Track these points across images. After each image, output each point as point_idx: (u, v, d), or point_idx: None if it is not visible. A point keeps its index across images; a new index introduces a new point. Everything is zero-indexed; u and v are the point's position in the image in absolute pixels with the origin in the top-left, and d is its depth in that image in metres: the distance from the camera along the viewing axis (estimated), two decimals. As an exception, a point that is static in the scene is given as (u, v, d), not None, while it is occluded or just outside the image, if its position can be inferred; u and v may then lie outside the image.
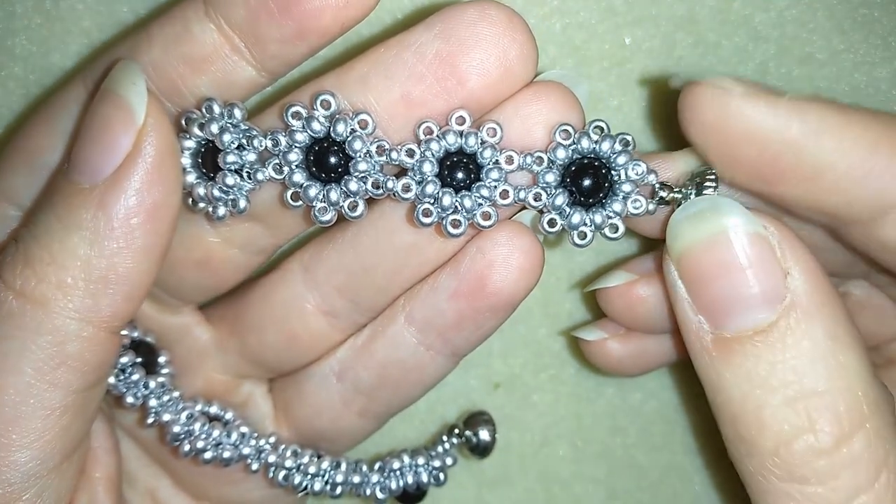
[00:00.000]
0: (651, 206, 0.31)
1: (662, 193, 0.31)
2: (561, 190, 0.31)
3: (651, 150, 0.40)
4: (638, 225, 0.34)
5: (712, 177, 0.31)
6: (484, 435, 0.40)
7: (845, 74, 0.39)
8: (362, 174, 0.31)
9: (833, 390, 0.27)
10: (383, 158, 0.31)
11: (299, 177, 0.31)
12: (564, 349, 0.43)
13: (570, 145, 0.31)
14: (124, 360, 0.35)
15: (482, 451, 0.40)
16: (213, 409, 0.38)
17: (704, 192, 0.31)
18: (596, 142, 0.31)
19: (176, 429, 0.36)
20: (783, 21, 0.39)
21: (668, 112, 0.40)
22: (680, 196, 0.31)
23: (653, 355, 0.38)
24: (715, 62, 0.39)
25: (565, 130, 0.31)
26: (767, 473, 0.28)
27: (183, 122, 0.32)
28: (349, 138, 0.31)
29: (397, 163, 0.31)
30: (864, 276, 0.36)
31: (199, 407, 0.37)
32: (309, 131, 0.31)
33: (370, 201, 0.32)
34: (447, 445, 0.39)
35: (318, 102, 0.31)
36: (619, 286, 0.36)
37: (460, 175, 0.31)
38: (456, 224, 0.31)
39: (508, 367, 0.43)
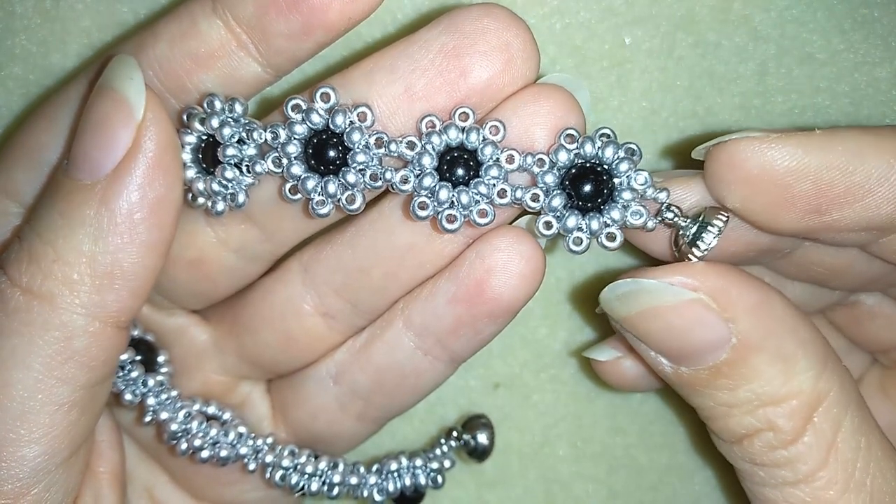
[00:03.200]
0: (650, 223, 0.31)
1: (668, 214, 0.31)
2: (559, 192, 0.31)
3: (652, 151, 0.40)
4: (641, 241, 0.34)
5: (720, 223, 0.31)
6: (482, 438, 0.40)
7: (845, 74, 0.39)
8: (360, 166, 0.31)
9: (787, 394, 0.30)
10: (382, 150, 0.31)
11: (297, 169, 0.31)
12: (564, 349, 0.43)
13: (573, 149, 0.31)
14: (124, 357, 0.35)
15: (480, 454, 0.40)
16: (211, 409, 0.38)
17: (706, 232, 0.31)
18: (600, 147, 0.31)
19: (173, 427, 0.36)
20: (783, 21, 0.39)
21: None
22: (681, 224, 0.31)
23: None
24: (715, 62, 0.39)
25: (570, 134, 0.31)
26: (738, 461, 0.32)
27: (184, 118, 0.32)
28: (348, 130, 0.31)
29: (397, 154, 0.31)
30: (883, 289, 0.36)
31: (196, 406, 0.37)
32: (308, 123, 0.31)
33: (370, 202, 0.32)
34: (445, 448, 0.39)
35: (318, 95, 0.31)
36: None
37: (460, 171, 0.31)
38: (451, 219, 0.31)
39: (508, 367, 0.43)
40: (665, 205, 0.31)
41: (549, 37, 0.39)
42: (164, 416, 0.36)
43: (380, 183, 0.31)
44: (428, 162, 0.31)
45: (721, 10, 0.39)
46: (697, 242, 0.31)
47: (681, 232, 0.31)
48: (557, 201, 0.31)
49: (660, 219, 0.31)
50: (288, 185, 0.31)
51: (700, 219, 0.31)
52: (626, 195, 0.31)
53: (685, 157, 0.40)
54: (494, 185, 0.31)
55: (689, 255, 0.31)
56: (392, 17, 0.38)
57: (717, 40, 0.39)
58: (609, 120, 0.40)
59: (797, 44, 0.39)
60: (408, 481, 0.38)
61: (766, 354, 0.30)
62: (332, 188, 0.31)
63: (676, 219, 0.31)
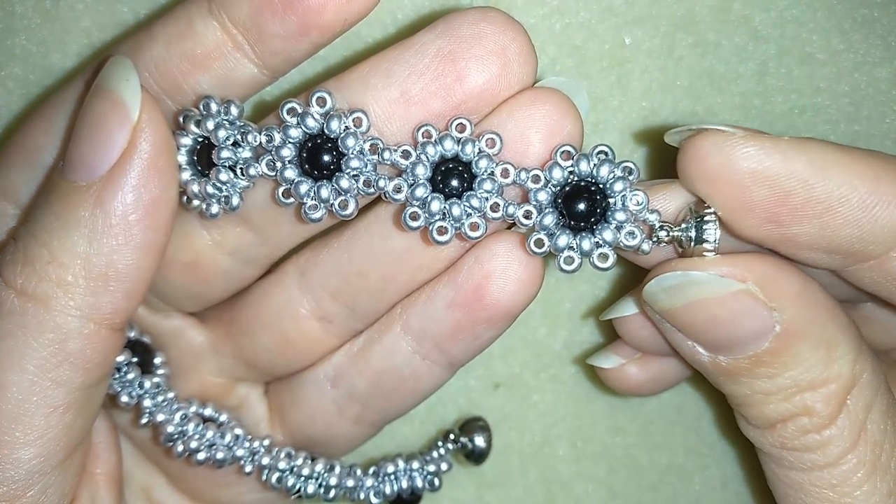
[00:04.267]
0: (645, 246, 0.31)
1: (661, 234, 0.31)
2: (551, 210, 0.30)
3: (652, 151, 0.40)
4: (632, 256, 0.34)
5: (712, 216, 0.30)
6: (479, 441, 0.40)
7: (845, 74, 0.39)
8: (354, 171, 0.31)
9: (827, 379, 0.30)
10: (376, 157, 0.31)
11: (291, 173, 0.31)
12: (564, 349, 0.43)
13: (567, 166, 0.30)
14: (120, 358, 0.35)
15: (477, 457, 0.40)
16: (208, 411, 0.38)
17: (705, 229, 0.30)
18: (595, 166, 0.30)
19: (170, 429, 0.36)
20: (783, 21, 0.39)
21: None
22: (680, 234, 0.31)
23: (671, 374, 0.39)
24: (715, 62, 0.39)
25: (566, 151, 0.30)
26: (767, 445, 0.32)
27: (180, 119, 0.32)
28: (342, 135, 0.30)
29: (391, 163, 0.31)
30: (871, 300, 0.36)
31: (193, 408, 0.37)
32: (303, 127, 0.31)
33: (365, 206, 0.32)
34: (442, 451, 0.39)
35: (314, 100, 0.31)
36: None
37: (454, 182, 0.31)
38: (442, 231, 0.31)
39: (508, 367, 0.43)
40: (657, 225, 0.31)
41: (549, 37, 0.39)
42: (160, 417, 0.36)
43: (373, 189, 0.31)
44: (422, 172, 0.31)
45: (721, 10, 0.39)
46: (704, 241, 0.31)
47: (683, 240, 0.31)
48: (549, 219, 0.30)
49: (655, 239, 0.31)
50: (281, 189, 0.31)
51: (693, 218, 0.31)
52: (620, 216, 0.30)
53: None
54: (487, 199, 0.31)
55: (704, 255, 0.31)
56: (392, 17, 0.38)
57: (717, 40, 0.39)
58: (609, 120, 0.40)
59: (797, 44, 0.39)
60: (404, 484, 0.38)
61: (809, 341, 0.30)
62: (325, 193, 0.31)
63: (672, 233, 0.31)
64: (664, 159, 0.40)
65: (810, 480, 0.31)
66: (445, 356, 0.35)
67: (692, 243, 0.31)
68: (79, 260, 0.29)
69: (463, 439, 0.40)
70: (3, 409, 0.29)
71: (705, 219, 0.31)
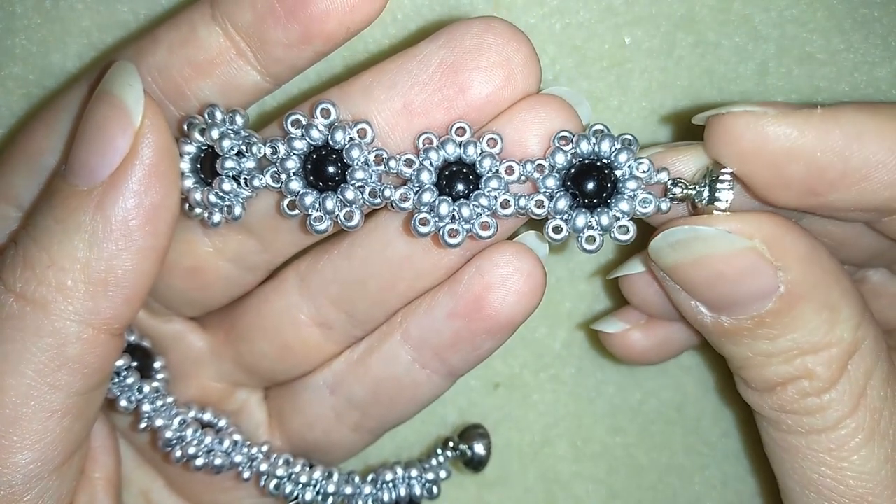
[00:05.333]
0: (664, 205, 0.31)
1: (676, 190, 0.31)
2: (563, 193, 0.30)
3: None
4: (654, 218, 0.33)
5: (727, 176, 0.30)
6: (479, 449, 0.40)
7: (845, 74, 0.39)
8: (359, 182, 0.31)
9: (829, 343, 0.30)
10: (381, 167, 0.31)
11: (296, 185, 0.31)
12: (564, 349, 0.43)
13: (568, 149, 0.30)
14: (119, 363, 0.35)
15: (477, 465, 0.40)
16: (207, 416, 0.38)
17: (720, 190, 0.30)
18: (595, 143, 0.30)
19: (168, 434, 0.36)
20: (783, 21, 0.39)
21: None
22: (693, 193, 0.31)
23: (676, 341, 0.38)
24: (715, 62, 0.39)
25: (564, 136, 0.30)
26: (765, 408, 0.32)
27: (185, 127, 0.32)
28: (347, 146, 0.30)
29: (395, 172, 0.31)
30: (888, 264, 0.36)
31: (192, 413, 0.37)
32: (307, 139, 0.31)
33: (367, 214, 0.32)
34: (441, 458, 0.39)
35: (318, 111, 0.31)
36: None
37: (459, 185, 0.31)
38: (453, 234, 0.31)
39: (508, 367, 0.43)
40: (670, 182, 0.31)
41: (549, 37, 0.39)
42: (159, 422, 0.36)
43: (379, 200, 0.31)
44: (426, 177, 0.30)
45: (721, 10, 0.39)
46: (716, 201, 0.31)
47: (696, 199, 0.31)
48: (563, 203, 0.30)
49: (670, 197, 0.31)
50: (286, 201, 0.31)
51: (707, 178, 0.31)
52: (631, 185, 0.30)
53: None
54: (496, 196, 0.31)
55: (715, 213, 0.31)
56: (392, 16, 0.38)
57: (717, 40, 0.39)
58: (609, 120, 0.40)
59: (797, 44, 0.39)
60: (403, 491, 0.38)
61: (813, 303, 0.30)
62: (330, 204, 0.31)
63: (686, 191, 0.31)
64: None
65: (808, 444, 0.31)
66: (445, 365, 0.35)
67: (704, 203, 0.31)
68: (79, 264, 0.29)
69: (462, 447, 0.40)
70: (1, 414, 0.29)
71: (720, 179, 0.30)
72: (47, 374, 0.29)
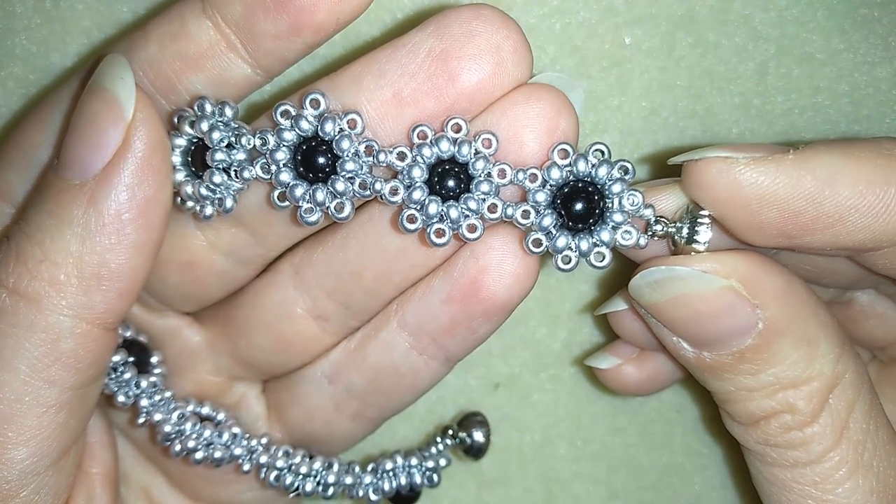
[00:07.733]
0: (642, 241, 0.31)
1: (657, 227, 0.31)
2: (550, 211, 0.30)
3: (652, 151, 0.40)
4: (631, 252, 0.34)
5: (706, 218, 0.31)
6: (478, 436, 0.40)
7: (845, 74, 0.39)
8: (350, 174, 0.31)
9: (809, 377, 0.31)
10: (371, 159, 0.31)
11: (286, 176, 0.31)
12: (564, 349, 0.43)
13: (565, 166, 0.30)
14: (116, 358, 0.35)
15: (476, 452, 0.40)
16: (205, 410, 0.38)
17: (698, 230, 0.31)
18: (593, 166, 0.30)
19: (167, 428, 0.36)
20: (783, 21, 0.39)
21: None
22: (674, 231, 0.31)
23: (668, 373, 0.39)
24: (715, 62, 0.39)
25: (563, 150, 0.30)
26: (751, 442, 0.32)
27: (174, 120, 0.32)
28: (337, 137, 0.30)
29: (386, 164, 0.31)
30: (874, 285, 0.36)
31: (190, 407, 0.37)
32: (297, 130, 0.31)
33: (360, 205, 0.32)
34: (441, 447, 0.39)
35: (308, 102, 0.30)
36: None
37: (450, 184, 0.31)
38: (440, 233, 0.31)
39: (508, 367, 0.43)
40: (653, 219, 0.31)
41: (549, 37, 0.39)
42: (157, 417, 0.36)
43: (369, 192, 0.31)
44: (418, 174, 0.30)
45: (721, 10, 0.39)
46: (695, 240, 0.31)
47: (676, 237, 0.31)
48: (548, 220, 0.30)
49: (650, 233, 0.31)
50: (276, 192, 0.31)
51: (688, 217, 0.31)
52: (618, 217, 0.31)
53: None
54: (485, 200, 0.30)
55: (693, 252, 0.31)
56: (392, 16, 0.38)
57: (717, 40, 0.39)
58: (609, 120, 0.40)
59: (797, 44, 0.39)
60: (403, 480, 0.38)
61: (791, 338, 0.30)
62: (320, 196, 0.31)
63: (667, 229, 0.31)
64: (662, 160, 0.40)
65: (793, 477, 0.31)
66: (442, 351, 0.35)
67: (683, 241, 0.31)
68: (71, 259, 0.29)
69: (461, 434, 0.40)
70: None
71: (699, 220, 0.31)
72: (41, 370, 0.29)
